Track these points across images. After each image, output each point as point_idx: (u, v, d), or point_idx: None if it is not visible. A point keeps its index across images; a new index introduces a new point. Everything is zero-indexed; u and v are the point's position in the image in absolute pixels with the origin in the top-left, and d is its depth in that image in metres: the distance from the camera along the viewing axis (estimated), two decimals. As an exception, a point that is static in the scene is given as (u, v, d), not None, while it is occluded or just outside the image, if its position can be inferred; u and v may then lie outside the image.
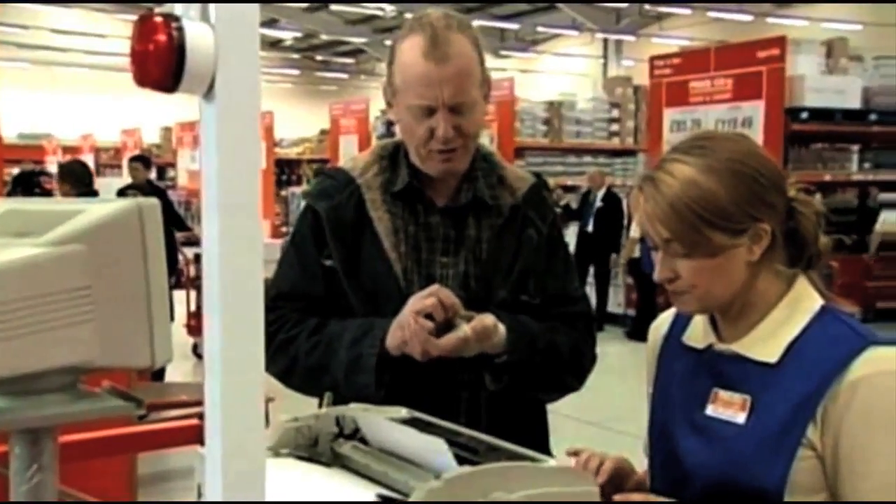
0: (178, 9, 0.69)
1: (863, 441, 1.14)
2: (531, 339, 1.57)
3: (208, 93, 0.68)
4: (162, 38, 0.66)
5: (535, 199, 1.67)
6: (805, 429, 1.16)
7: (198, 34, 0.67)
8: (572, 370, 1.67)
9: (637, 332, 8.34)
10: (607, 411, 5.70)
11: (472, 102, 1.54)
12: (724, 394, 1.24)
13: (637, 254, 8.70)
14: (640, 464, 1.43)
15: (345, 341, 1.54)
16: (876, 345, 1.18)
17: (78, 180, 6.01)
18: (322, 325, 1.60)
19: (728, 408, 1.23)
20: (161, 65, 0.66)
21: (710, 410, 1.25)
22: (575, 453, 1.32)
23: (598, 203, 9.55)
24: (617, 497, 1.29)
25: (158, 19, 0.67)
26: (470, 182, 1.63)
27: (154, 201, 0.98)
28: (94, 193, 6.22)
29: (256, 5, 0.69)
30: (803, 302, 1.24)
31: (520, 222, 1.64)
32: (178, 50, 0.66)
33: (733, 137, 1.28)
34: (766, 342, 1.22)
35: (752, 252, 1.21)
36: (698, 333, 1.32)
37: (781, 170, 1.26)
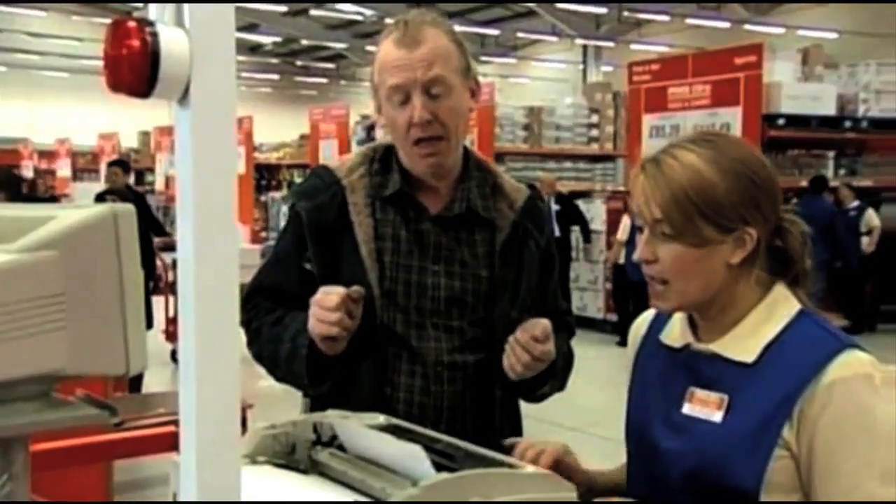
0: (152, 13, 0.68)
1: (836, 444, 1.16)
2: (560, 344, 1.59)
3: (183, 98, 0.68)
4: (135, 43, 0.65)
5: (533, 210, 1.68)
6: (781, 429, 1.17)
7: (172, 39, 0.66)
8: (568, 372, 1.70)
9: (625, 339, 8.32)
10: (588, 416, 5.72)
11: (448, 85, 1.53)
12: (700, 392, 1.25)
13: (622, 260, 8.70)
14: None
15: (289, 333, 1.55)
16: (852, 348, 1.19)
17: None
18: (283, 317, 1.60)
19: (704, 406, 1.24)
20: (134, 70, 0.66)
21: (687, 409, 1.25)
22: (511, 446, 1.31)
23: (555, 207, 9.58)
24: (597, 500, 1.29)
25: (132, 24, 0.66)
26: (463, 191, 1.62)
27: (129, 207, 0.97)
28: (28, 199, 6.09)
29: (232, 10, 0.69)
30: (781, 305, 1.25)
31: (521, 237, 1.64)
32: (151, 55, 0.65)
33: (742, 141, 1.31)
34: (744, 342, 1.23)
35: (734, 255, 1.23)
36: (676, 333, 1.33)
37: (778, 184, 1.28)
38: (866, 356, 1.19)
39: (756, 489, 1.17)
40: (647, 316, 1.42)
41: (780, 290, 1.26)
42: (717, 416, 1.22)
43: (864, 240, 9.42)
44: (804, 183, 8.99)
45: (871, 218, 9.42)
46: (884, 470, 1.15)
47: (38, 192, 12.52)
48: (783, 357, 1.20)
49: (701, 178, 1.20)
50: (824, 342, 1.20)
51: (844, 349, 1.18)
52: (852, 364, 1.17)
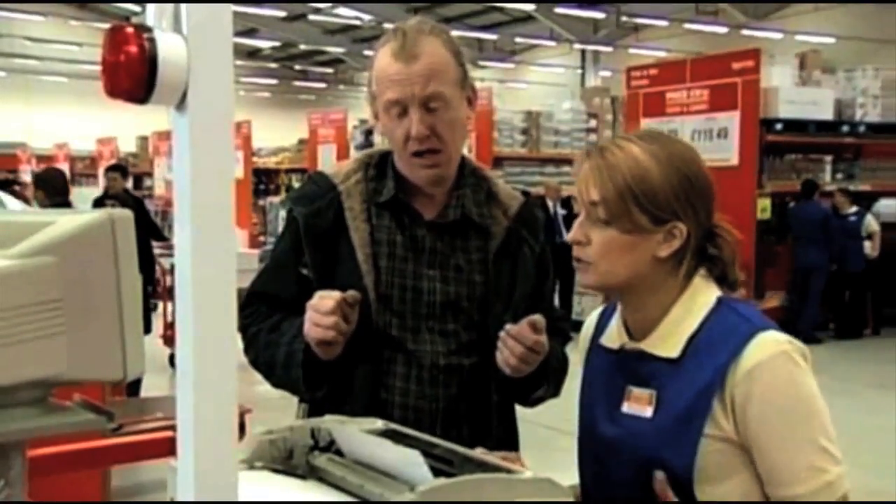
0: (150, 19, 0.69)
1: (781, 430, 1.20)
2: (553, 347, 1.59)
3: (181, 104, 0.68)
4: (133, 49, 0.66)
5: (528, 217, 1.69)
6: (705, 418, 1.21)
7: (170, 45, 0.66)
8: (563, 377, 1.70)
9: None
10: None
11: (446, 99, 1.53)
12: (636, 391, 1.30)
13: None
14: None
15: (286, 338, 1.55)
16: (765, 330, 1.23)
17: (54, 189, 5.91)
18: (280, 323, 1.60)
19: (638, 403, 1.29)
20: (132, 76, 0.66)
21: (626, 408, 1.30)
22: None
23: (561, 211, 9.58)
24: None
25: (130, 30, 0.66)
26: (458, 198, 1.63)
27: (127, 213, 0.97)
28: (68, 204, 6.09)
29: (230, 14, 0.69)
30: (700, 296, 1.29)
31: (515, 243, 1.65)
32: (149, 61, 0.65)
33: (685, 144, 1.37)
34: (669, 338, 1.28)
35: (662, 247, 1.27)
36: (613, 334, 1.37)
37: (713, 189, 1.33)
38: (781, 335, 1.23)
39: (688, 477, 1.21)
40: (592, 319, 1.47)
41: (699, 281, 1.31)
42: (648, 412, 1.27)
43: (867, 244, 9.43)
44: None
45: (871, 223, 9.44)
46: (825, 440, 1.20)
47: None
48: (702, 348, 1.25)
49: (640, 166, 1.26)
50: (737, 328, 1.24)
51: (757, 332, 1.22)
52: (767, 345, 1.21)
